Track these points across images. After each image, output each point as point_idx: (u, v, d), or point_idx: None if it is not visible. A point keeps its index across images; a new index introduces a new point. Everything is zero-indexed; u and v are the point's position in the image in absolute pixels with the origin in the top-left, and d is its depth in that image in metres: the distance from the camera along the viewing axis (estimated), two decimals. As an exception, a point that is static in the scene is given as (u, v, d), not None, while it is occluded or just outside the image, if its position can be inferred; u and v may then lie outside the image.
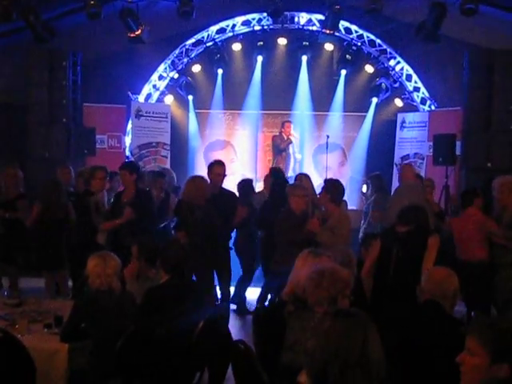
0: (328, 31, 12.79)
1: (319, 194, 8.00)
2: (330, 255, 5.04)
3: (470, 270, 7.69)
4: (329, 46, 14.63)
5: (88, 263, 5.33)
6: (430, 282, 4.54)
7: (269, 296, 8.47)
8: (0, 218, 9.10)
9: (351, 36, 14.32)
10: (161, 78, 14.86)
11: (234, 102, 14.82)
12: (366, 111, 14.60)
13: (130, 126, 14.45)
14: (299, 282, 4.67)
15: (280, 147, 13.77)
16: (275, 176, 9.45)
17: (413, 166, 10.56)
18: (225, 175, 8.76)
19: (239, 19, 14.54)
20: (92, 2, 10.63)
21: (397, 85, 14.56)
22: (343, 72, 14.55)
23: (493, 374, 2.84)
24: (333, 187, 7.62)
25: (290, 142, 13.88)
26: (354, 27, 14.23)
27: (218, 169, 8.70)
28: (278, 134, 14.01)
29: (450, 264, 5.79)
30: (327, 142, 13.33)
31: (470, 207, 8.12)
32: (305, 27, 14.54)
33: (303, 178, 9.25)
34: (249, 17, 14.49)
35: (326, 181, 8.07)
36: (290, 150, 13.98)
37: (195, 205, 8.00)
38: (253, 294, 9.66)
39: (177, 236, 8.18)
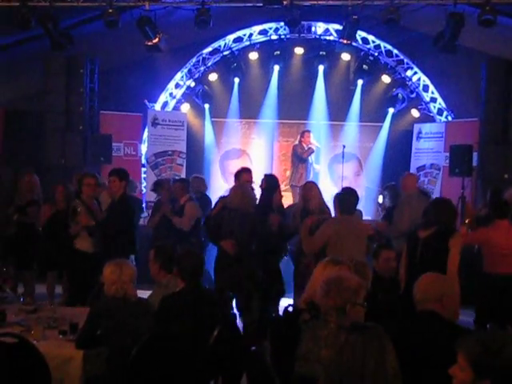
0: (345, 41, 12.74)
1: None
2: (349, 264, 4.98)
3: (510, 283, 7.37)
4: (345, 56, 14.64)
5: (104, 270, 5.32)
6: (417, 291, 4.45)
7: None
8: (10, 219, 9.23)
9: (368, 46, 14.35)
10: (177, 86, 14.94)
11: (250, 110, 14.86)
12: (383, 121, 14.59)
13: (146, 134, 14.51)
14: (316, 290, 4.63)
15: (303, 157, 13.57)
16: (267, 182, 9.00)
17: (416, 176, 10.46)
18: (252, 182, 8.72)
19: (256, 28, 14.60)
20: (110, 11, 10.70)
21: (413, 95, 14.56)
22: (360, 82, 14.57)
23: None
24: (336, 201, 7.43)
25: (313, 151, 13.69)
26: (371, 37, 14.26)
27: (246, 176, 8.65)
28: (297, 143, 13.83)
29: (474, 277, 5.71)
30: (343, 152, 13.35)
31: (504, 219, 7.57)
32: (322, 37, 14.59)
33: (313, 186, 8.94)
34: (266, 26, 14.55)
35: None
36: (310, 160, 13.86)
37: (244, 212, 7.81)
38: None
39: (222, 246, 7.84)
